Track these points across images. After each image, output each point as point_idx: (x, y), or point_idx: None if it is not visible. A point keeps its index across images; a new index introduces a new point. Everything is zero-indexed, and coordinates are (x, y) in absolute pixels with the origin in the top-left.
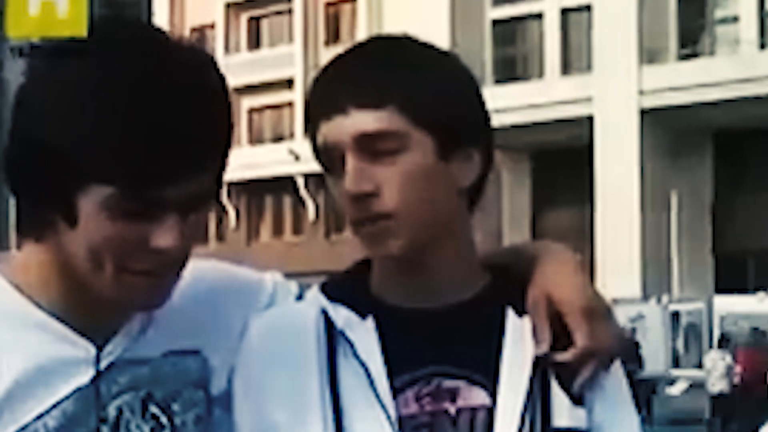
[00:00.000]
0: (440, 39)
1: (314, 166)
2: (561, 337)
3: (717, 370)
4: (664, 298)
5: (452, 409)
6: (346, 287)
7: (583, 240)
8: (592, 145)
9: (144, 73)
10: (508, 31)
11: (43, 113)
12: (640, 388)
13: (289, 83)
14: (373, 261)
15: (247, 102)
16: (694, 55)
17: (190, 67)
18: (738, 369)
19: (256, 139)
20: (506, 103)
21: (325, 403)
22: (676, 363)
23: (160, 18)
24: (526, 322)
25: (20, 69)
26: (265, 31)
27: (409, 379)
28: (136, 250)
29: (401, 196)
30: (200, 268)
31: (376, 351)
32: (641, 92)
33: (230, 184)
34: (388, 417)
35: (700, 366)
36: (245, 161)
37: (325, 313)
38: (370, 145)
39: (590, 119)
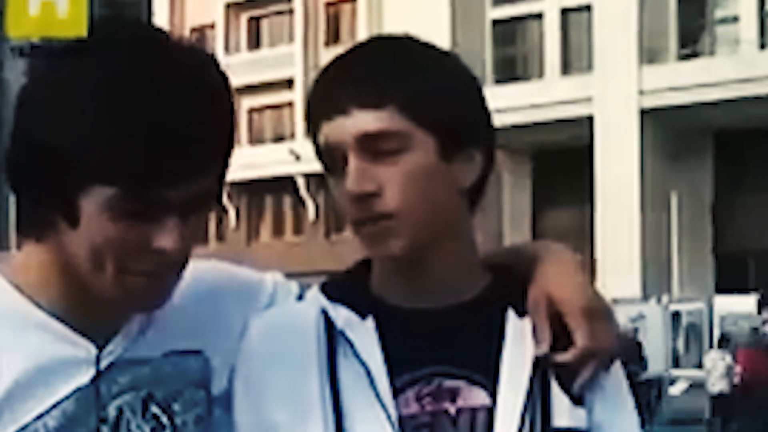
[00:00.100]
0: (440, 39)
1: (315, 166)
2: (561, 337)
3: (717, 370)
4: (665, 298)
5: (452, 409)
6: (347, 287)
7: (584, 240)
8: (593, 145)
9: (145, 73)
10: (508, 31)
11: (45, 114)
12: (644, 388)
13: (289, 83)
14: (374, 261)
15: (247, 102)
16: (694, 55)
17: (191, 66)
18: (738, 369)
19: (256, 139)
20: (506, 103)
21: (326, 403)
22: (676, 363)
23: (160, 18)
24: (527, 322)
25: (20, 69)
26: (265, 31)
27: (409, 379)
28: (138, 251)
29: (403, 196)
30: (201, 269)
31: (376, 351)
32: (641, 92)
33: (230, 184)
34: (389, 417)
35: (700, 366)
36: (245, 161)
37: (325, 313)
38: (372, 145)
39: (590, 119)
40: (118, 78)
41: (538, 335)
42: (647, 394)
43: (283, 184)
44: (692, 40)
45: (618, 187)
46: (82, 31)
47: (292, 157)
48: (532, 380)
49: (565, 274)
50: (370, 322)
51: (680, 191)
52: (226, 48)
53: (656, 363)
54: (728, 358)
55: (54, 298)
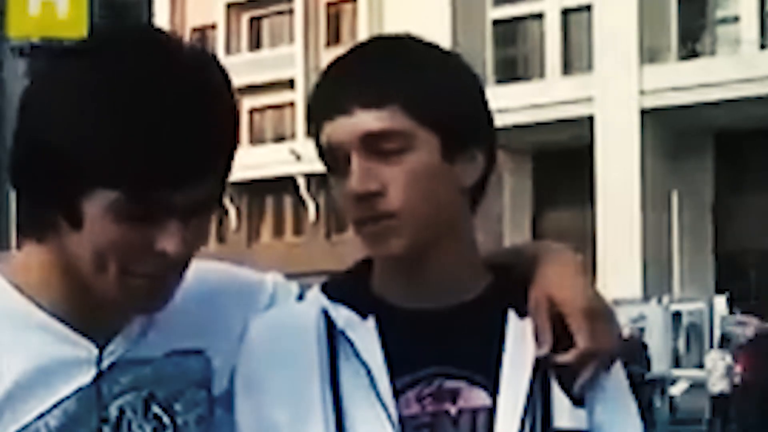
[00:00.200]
0: (441, 39)
1: (315, 167)
2: (562, 338)
3: (717, 370)
4: (665, 299)
5: (453, 410)
6: (347, 287)
7: (584, 240)
8: (593, 146)
9: (147, 75)
10: (509, 31)
11: (48, 116)
12: (644, 389)
13: (290, 83)
14: (375, 261)
15: (248, 102)
16: (694, 55)
17: (193, 67)
18: (738, 369)
19: (257, 139)
20: (507, 104)
21: (326, 404)
22: (676, 363)
23: (161, 19)
24: (528, 323)
25: (20, 69)
26: (266, 32)
27: (410, 379)
28: (140, 254)
29: (406, 195)
30: (201, 269)
31: (377, 351)
32: (642, 92)
33: (231, 185)
34: (389, 417)
35: (700, 366)
36: (246, 161)
37: (326, 313)
38: (375, 145)
39: (591, 119)
40: (120, 80)
41: (539, 336)
42: (648, 395)
43: (284, 184)
44: (693, 40)
45: (618, 187)
46: (82, 31)
47: (293, 157)
48: (532, 381)
49: (565, 275)
50: (370, 322)
51: (681, 191)
52: (227, 48)
53: (657, 363)
54: (728, 359)
55: (55, 299)
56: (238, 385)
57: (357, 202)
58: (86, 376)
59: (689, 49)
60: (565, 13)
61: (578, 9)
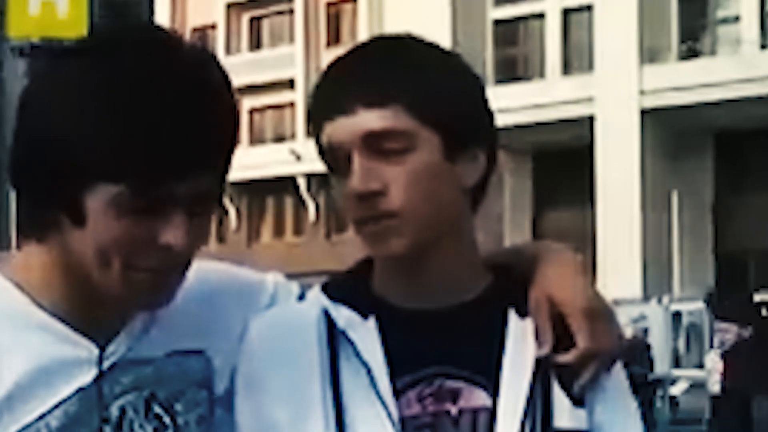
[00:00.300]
0: (442, 39)
1: (316, 167)
2: (563, 338)
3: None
4: (665, 299)
5: (454, 410)
6: (348, 287)
7: (584, 240)
8: (593, 146)
9: (148, 72)
10: (509, 31)
11: (49, 113)
12: (645, 389)
13: (290, 83)
14: (375, 261)
15: (248, 102)
16: (695, 55)
17: (193, 65)
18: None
19: (257, 139)
20: (507, 104)
21: (327, 404)
22: (677, 363)
23: (161, 19)
24: (528, 323)
25: (20, 69)
26: (266, 32)
27: (410, 379)
28: (144, 248)
29: (408, 194)
30: (202, 269)
31: (377, 351)
32: (642, 92)
33: (231, 185)
34: (390, 417)
35: (700, 366)
36: (246, 161)
37: (326, 313)
38: (377, 144)
39: (591, 119)
40: (121, 76)
41: (539, 336)
42: (649, 395)
43: (284, 184)
44: (693, 40)
45: (619, 187)
46: (82, 31)
47: (293, 157)
48: (533, 381)
49: (566, 275)
50: (371, 323)
51: (681, 191)
52: (228, 48)
53: (657, 363)
54: None
55: (56, 299)
56: (239, 384)
57: (358, 201)
58: (87, 376)
59: (689, 49)
60: (566, 13)
61: (578, 9)
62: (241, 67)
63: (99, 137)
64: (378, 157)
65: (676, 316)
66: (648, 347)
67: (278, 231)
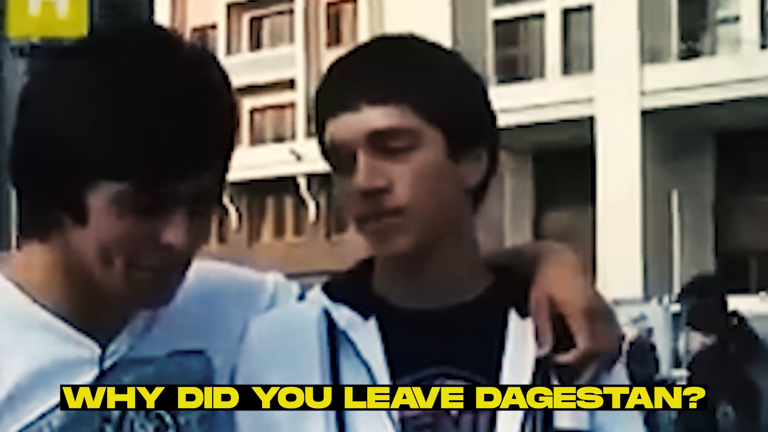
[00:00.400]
0: (442, 39)
1: (316, 167)
2: (563, 338)
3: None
4: (665, 299)
5: (454, 410)
6: (349, 287)
7: (585, 240)
8: (594, 146)
9: (148, 72)
10: (509, 31)
11: (50, 113)
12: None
13: (290, 83)
14: (376, 261)
15: (248, 102)
16: (695, 55)
17: (193, 64)
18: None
19: (257, 139)
20: (508, 104)
21: None
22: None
23: (162, 19)
24: (529, 323)
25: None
26: (266, 32)
27: (411, 379)
28: (146, 247)
29: (412, 192)
30: (202, 269)
31: (378, 351)
32: (643, 92)
33: (231, 185)
34: (390, 417)
35: None
36: (246, 161)
37: (327, 313)
38: (381, 142)
39: (592, 119)
40: (121, 76)
41: (539, 336)
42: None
43: (285, 184)
44: (693, 40)
45: (619, 187)
46: (82, 31)
47: (294, 157)
48: (533, 381)
49: (566, 275)
50: (372, 323)
51: (681, 191)
52: (228, 48)
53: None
54: None
55: (57, 298)
56: (239, 384)
57: (363, 198)
58: (89, 376)
59: (689, 49)
60: (566, 13)
61: (579, 9)
62: (241, 67)
63: (99, 136)
64: (383, 154)
65: (676, 316)
66: (653, 347)
67: (278, 231)
